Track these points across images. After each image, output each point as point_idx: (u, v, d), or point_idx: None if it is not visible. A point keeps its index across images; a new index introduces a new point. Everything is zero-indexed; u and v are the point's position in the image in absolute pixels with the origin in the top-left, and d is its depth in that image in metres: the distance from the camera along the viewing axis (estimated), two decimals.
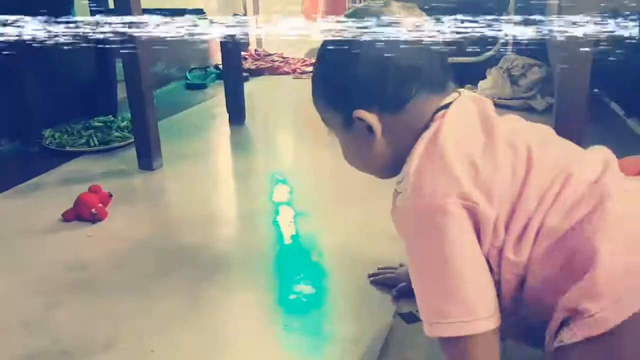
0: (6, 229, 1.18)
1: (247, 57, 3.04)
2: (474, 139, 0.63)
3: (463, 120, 0.64)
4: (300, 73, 2.87)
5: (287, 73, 2.90)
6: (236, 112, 1.94)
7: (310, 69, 2.93)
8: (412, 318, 0.82)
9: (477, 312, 0.57)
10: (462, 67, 2.43)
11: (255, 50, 3.22)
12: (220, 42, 1.82)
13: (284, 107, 2.33)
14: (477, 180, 0.59)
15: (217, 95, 2.38)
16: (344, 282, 0.95)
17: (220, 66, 2.70)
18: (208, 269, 1.00)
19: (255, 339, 0.81)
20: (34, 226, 1.19)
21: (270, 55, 3.18)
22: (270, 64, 2.99)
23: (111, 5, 1.80)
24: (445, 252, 0.58)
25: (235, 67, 1.90)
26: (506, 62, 2.12)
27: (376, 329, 0.81)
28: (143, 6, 1.41)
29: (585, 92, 1.09)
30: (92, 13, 1.57)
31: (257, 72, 2.89)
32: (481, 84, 2.15)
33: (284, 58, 3.13)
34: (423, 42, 0.67)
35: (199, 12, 1.60)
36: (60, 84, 1.88)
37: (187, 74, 2.69)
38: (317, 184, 1.45)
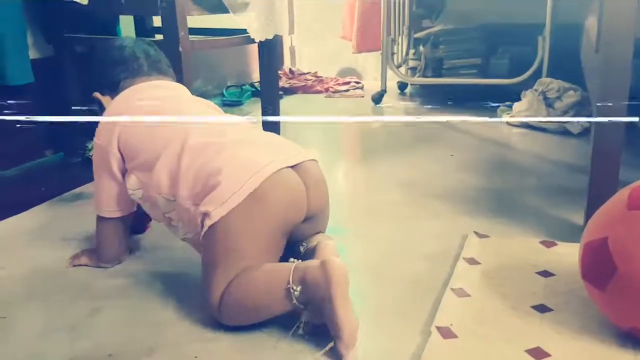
0: (51, 236, 1.23)
1: (281, 75, 3.09)
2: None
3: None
4: (333, 92, 2.91)
5: (320, 92, 2.94)
6: (272, 129, 1.97)
7: (343, 87, 2.96)
8: (449, 333, 0.83)
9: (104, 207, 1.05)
10: (497, 88, 2.43)
11: (290, 69, 3.27)
12: (259, 60, 1.86)
13: (318, 125, 2.37)
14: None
15: (252, 112, 2.43)
16: (376, 299, 0.96)
17: (256, 84, 2.77)
18: None
19: (288, 350, 0.82)
20: (77, 233, 1.23)
21: (304, 74, 3.23)
22: (304, 83, 3.03)
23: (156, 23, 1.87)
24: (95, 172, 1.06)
25: (272, 85, 1.94)
26: (541, 85, 2.12)
27: (410, 346, 0.82)
28: (189, 26, 1.47)
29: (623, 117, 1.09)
30: (137, 32, 1.63)
31: (290, 91, 2.94)
32: (516, 105, 2.15)
33: (317, 77, 3.17)
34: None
35: (242, 32, 1.64)
36: None
37: (224, 91, 2.75)
38: (351, 201, 1.47)
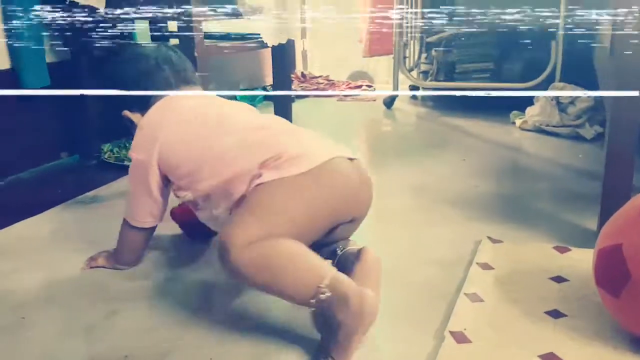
0: (67, 238, 1.25)
1: (293, 79, 3.10)
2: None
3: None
4: (345, 96, 2.92)
5: (332, 95, 2.95)
6: None
7: (355, 91, 2.97)
8: (462, 338, 0.83)
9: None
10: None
11: (302, 72, 3.28)
12: (272, 64, 1.87)
13: (329, 128, 2.37)
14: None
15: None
16: (389, 304, 0.96)
17: (268, 87, 2.78)
18: None
19: (304, 351, 0.83)
20: (93, 235, 1.25)
21: (316, 77, 3.24)
22: (316, 86, 3.05)
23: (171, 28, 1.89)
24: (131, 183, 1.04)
25: (285, 88, 1.95)
26: (554, 89, 2.12)
27: (424, 351, 0.83)
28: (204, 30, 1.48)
29: (637, 123, 1.09)
30: (153, 37, 1.65)
31: (302, 94, 2.95)
32: (529, 110, 2.15)
33: (329, 81, 3.18)
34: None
35: (255, 36, 1.66)
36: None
37: (237, 95, 2.76)
38: None
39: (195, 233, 1.19)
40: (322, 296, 0.78)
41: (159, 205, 1.03)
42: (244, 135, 0.95)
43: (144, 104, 1.06)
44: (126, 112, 1.08)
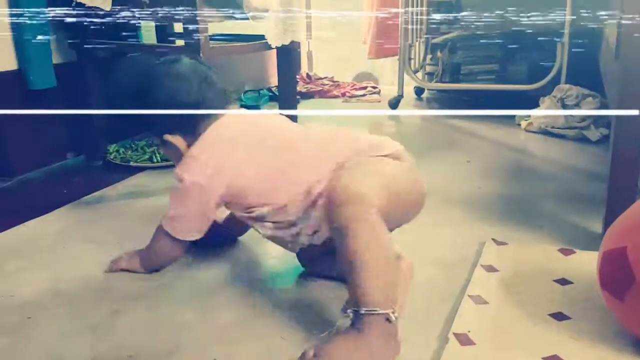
0: (73, 238, 1.25)
1: (298, 80, 3.11)
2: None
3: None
4: (350, 97, 2.92)
5: (337, 96, 2.96)
6: None
7: (360, 92, 2.97)
8: (466, 340, 0.83)
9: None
10: (515, 95, 2.43)
11: (307, 73, 3.29)
12: (277, 65, 1.88)
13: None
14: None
15: None
16: None
17: (273, 88, 2.79)
18: (264, 282, 1.05)
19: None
20: (98, 236, 1.25)
21: (321, 78, 3.24)
22: (321, 88, 3.05)
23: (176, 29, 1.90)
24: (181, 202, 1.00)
25: (290, 89, 1.96)
26: (560, 91, 2.11)
27: (428, 352, 0.83)
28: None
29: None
30: (159, 38, 1.65)
31: (307, 95, 2.96)
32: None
33: (334, 82, 3.19)
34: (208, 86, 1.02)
35: (260, 38, 1.66)
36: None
37: (242, 96, 2.77)
38: None
39: (207, 241, 1.17)
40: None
41: (209, 222, 1.01)
42: (315, 139, 0.98)
43: (189, 128, 1.01)
44: (168, 137, 1.02)
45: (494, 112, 2.33)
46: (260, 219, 0.98)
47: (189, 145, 1.01)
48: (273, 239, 1.02)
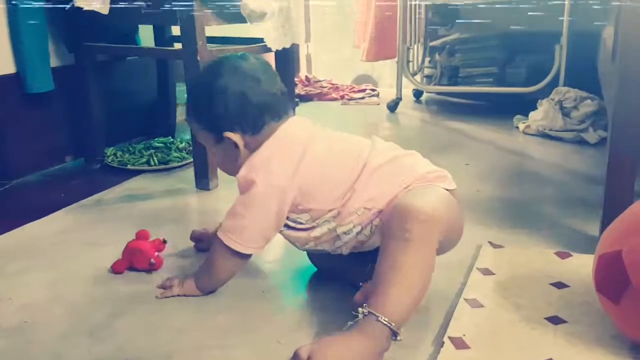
0: (71, 241, 1.25)
1: (297, 82, 3.11)
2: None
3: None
4: (349, 99, 2.92)
5: (335, 99, 2.96)
6: None
7: (359, 95, 2.98)
8: (461, 344, 0.83)
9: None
10: (513, 97, 2.43)
11: (306, 76, 3.29)
12: (275, 68, 1.88)
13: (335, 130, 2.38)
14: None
15: None
16: None
17: None
18: (261, 286, 1.04)
19: None
20: (96, 239, 1.25)
21: (319, 81, 3.25)
22: (320, 90, 3.05)
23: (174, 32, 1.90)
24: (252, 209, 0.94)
25: (289, 92, 1.96)
26: (558, 94, 2.12)
27: (423, 356, 0.83)
28: (207, 35, 1.49)
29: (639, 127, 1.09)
30: (157, 41, 1.65)
31: (306, 98, 2.96)
32: (532, 114, 2.14)
33: (332, 84, 3.19)
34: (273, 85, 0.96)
35: (259, 41, 1.66)
36: (123, 105, 1.98)
37: None
38: None
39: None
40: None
41: (280, 228, 0.97)
42: (385, 156, 0.95)
43: (256, 126, 0.95)
44: (228, 134, 0.95)
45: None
46: (297, 222, 0.96)
47: (245, 145, 0.96)
48: (290, 237, 0.99)
